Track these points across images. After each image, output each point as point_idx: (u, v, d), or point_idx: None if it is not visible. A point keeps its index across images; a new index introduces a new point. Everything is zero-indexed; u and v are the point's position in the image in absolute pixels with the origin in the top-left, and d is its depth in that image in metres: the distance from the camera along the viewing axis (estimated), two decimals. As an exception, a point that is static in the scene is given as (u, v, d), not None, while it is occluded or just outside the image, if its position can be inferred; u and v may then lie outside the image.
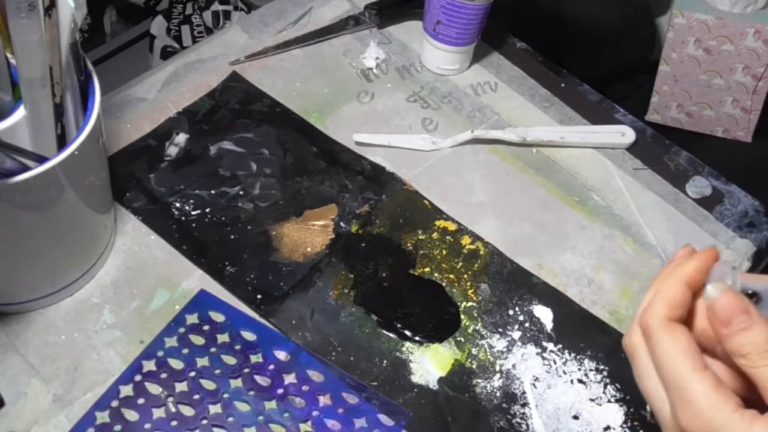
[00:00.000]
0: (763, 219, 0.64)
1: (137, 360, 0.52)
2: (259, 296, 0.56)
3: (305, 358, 0.53)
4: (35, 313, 0.54)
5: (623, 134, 0.67)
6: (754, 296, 0.39)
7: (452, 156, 0.65)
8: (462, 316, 0.56)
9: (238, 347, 0.53)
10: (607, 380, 0.54)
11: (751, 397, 0.36)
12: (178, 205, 0.60)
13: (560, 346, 0.55)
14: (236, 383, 0.51)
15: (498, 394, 0.53)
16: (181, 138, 0.64)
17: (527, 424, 0.52)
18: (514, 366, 0.54)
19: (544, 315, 0.57)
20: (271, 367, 0.52)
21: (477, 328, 0.56)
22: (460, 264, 0.59)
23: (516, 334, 0.56)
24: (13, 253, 0.49)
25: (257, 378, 0.52)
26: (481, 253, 0.59)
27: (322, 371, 0.52)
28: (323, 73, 0.70)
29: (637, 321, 0.39)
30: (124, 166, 0.61)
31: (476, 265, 0.59)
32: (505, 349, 0.55)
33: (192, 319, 0.54)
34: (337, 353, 0.54)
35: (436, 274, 0.58)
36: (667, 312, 0.38)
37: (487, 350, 0.55)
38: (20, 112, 0.45)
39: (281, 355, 0.53)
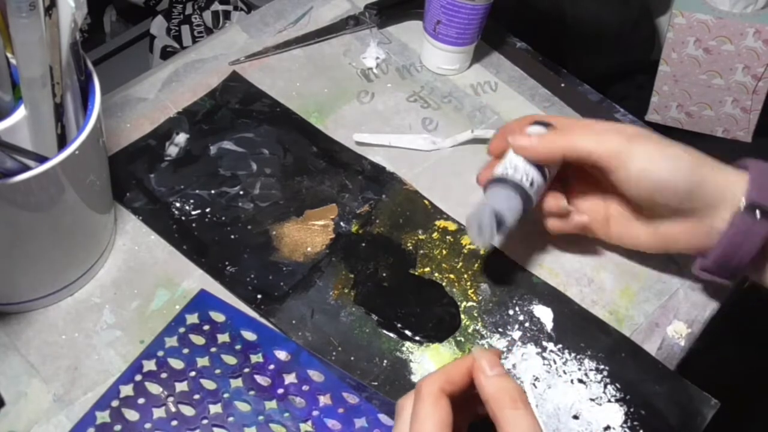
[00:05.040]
0: (763, 219, 0.64)
1: (137, 360, 0.52)
2: (259, 296, 0.56)
3: (305, 357, 0.53)
4: (35, 313, 0.54)
5: (623, 134, 0.67)
6: (549, 125, 0.55)
7: (452, 156, 0.65)
8: (462, 316, 0.56)
9: (238, 347, 0.53)
10: (607, 380, 0.54)
11: None
12: (178, 205, 0.60)
13: (560, 345, 0.55)
14: (236, 383, 0.51)
15: (498, 394, 0.53)
16: (181, 138, 0.64)
17: (527, 424, 0.52)
18: (514, 366, 0.54)
19: (544, 315, 0.57)
20: (272, 366, 0.52)
21: (477, 327, 0.56)
22: (460, 264, 0.59)
23: (516, 334, 0.56)
24: (13, 253, 0.49)
25: (257, 378, 0.52)
26: (481, 252, 0.59)
27: (323, 371, 0.52)
28: (323, 73, 0.70)
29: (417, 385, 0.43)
30: (124, 166, 0.61)
31: (476, 265, 0.59)
32: (505, 349, 0.55)
33: (192, 318, 0.54)
34: (337, 353, 0.54)
35: (437, 274, 0.58)
36: (442, 385, 0.42)
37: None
38: (20, 112, 0.45)
39: (281, 354, 0.53)
